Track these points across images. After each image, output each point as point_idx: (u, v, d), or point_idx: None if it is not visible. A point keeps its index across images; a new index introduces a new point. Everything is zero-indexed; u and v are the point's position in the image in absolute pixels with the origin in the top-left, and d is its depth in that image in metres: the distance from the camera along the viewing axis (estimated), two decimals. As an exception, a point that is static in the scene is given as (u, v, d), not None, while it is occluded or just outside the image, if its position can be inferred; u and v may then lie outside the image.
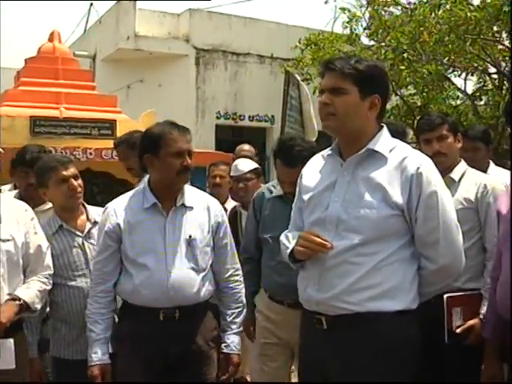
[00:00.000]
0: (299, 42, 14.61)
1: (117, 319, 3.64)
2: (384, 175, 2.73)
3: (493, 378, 2.99)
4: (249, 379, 5.13)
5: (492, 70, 13.18)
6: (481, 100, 14.17)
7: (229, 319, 3.70)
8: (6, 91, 8.18)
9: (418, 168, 2.72)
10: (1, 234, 3.35)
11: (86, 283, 3.76)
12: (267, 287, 4.14)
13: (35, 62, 8.40)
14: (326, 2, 13.33)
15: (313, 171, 3.01)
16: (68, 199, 3.90)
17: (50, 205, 4.21)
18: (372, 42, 13.42)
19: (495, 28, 11.32)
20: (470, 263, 3.42)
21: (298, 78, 9.76)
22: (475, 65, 12.68)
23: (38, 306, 3.46)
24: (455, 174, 3.88)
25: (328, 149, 2.99)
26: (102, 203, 3.85)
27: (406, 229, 2.76)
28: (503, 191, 3.72)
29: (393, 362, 2.68)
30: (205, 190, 5.10)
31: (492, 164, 5.03)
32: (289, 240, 3.01)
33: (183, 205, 3.56)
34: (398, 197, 2.70)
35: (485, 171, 4.52)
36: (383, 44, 12.39)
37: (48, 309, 3.87)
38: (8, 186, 4.98)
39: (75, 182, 3.88)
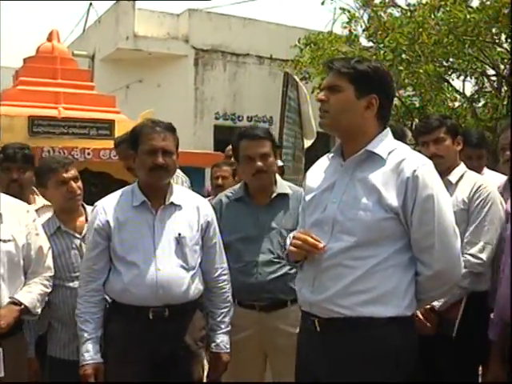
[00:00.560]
0: (299, 42, 14.64)
1: None
2: (380, 177, 2.70)
3: (496, 379, 2.99)
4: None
5: (491, 72, 13.19)
6: (479, 102, 14.18)
7: (218, 319, 3.70)
8: (4, 91, 8.18)
9: (415, 170, 2.66)
10: (2, 234, 3.35)
11: None
12: (235, 292, 3.89)
13: (34, 61, 8.40)
14: (322, 3, 13.34)
15: (317, 172, 3.00)
16: (67, 201, 3.90)
17: (37, 206, 4.22)
18: (371, 43, 13.44)
19: (494, 30, 11.34)
20: None
21: (297, 79, 9.74)
22: (474, 67, 12.69)
23: (39, 310, 3.46)
24: (453, 177, 3.90)
25: (333, 149, 2.98)
26: (99, 204, 3.83)
27: (402, 232, 2.71)
28: (496, 192, 3.81)
29: (380, 369, 2.64)
30: (201, 192, 5.11)
31: (485, 168, 5.06)
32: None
33: (172, 203, 3.56)
34: (392, 199, 2.66)
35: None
36: (382, 45, 12.40)
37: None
38: None
39: (74, 185, 3.88)
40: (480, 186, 3.82)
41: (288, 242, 3.00)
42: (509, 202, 3.78)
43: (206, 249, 3.65)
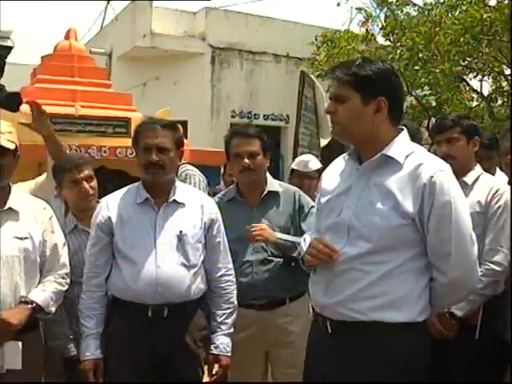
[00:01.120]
0: (316, 39, 14.62)
1: None
2: (396, 182, 2.66)
3: None
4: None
5: (508, 71, 13.11)
6: (496, 102, 14.09)
7: (219, 320, 3.66)
8: (22, 88, 8.22)
9: (432, 176, 2.62)
10: (18, 231, 3.37)
11: None
12: None
13: (51, 59, 8.42)
14: (338, 5, 13.33)
15: (332, 174, 2.97)
16: (80, 200, 4.00)
17: None
18: (388, 42, 13.41)
19: (512, 29, 11.26)
20: None
21: (313, 78, 9.75)
22: (491, 66, 12.62)
23: (53, 309, 3.47)
24: (469, 178, 3.86)
25: (348, 151, 2.95)
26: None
27: (419, 239, 2.68)
28: None
29: (390, 374, 2.63)
30: (214, 191, 5.11)
31: (497, 169, 5.02)
32: (305, 243, 2.97)
33: (175, 201, 3.57)
34: (409, 205, 2.62)
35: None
36: (398, 44, 12.36)
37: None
38: None
39: (87, 185, 3.95)
40: (497, 191, 3.76)
41: (302, 245, 2.99)
42: None
43: (209, 247, 3.63)
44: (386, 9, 13.21)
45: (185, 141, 9.72)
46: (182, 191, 3.64)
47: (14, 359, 3.26)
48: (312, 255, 2.80)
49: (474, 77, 13.73)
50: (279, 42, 17.01)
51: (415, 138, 4.37)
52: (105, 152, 7.28)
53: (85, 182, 3.95)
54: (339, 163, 3.00)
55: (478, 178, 3.89)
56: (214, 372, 3.61)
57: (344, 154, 2.98)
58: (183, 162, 5.35)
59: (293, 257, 3.79)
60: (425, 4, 12.53)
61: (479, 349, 3.64)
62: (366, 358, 2.66)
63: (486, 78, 13.86)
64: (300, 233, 3.87)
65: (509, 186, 3.91)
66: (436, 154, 3.18)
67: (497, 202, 3.74)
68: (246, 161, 3.94)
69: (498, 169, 5.02)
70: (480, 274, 3.57)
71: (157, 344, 3.44)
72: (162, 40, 16.53)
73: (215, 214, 3.69)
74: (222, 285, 3.69)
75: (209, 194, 5.20)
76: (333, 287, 2.75)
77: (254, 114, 17.20)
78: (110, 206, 3.60)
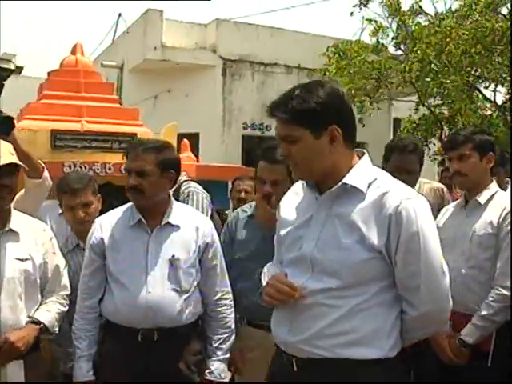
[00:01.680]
0: (327, 50, 14.60)
1: None
2: (360, 214, 2.46)
3: None
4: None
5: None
6: (511, 110, 13.98)
7: (214, 344, 3.56)
8: (27, 104, 8.20)
9: (398, 206, 2.42)
10: (19, 253, 3.35)
11: None
12: (246, 311, 3.77)
13: (57, 74, 8.38)
14: (351, 14, 13.30)
15: (290, 203, 2.76)
16: (74, 224, 3.98)
17: None
18: (399, 52, 13.37)
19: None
20: None
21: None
22: (504, 75, 12.53)
23: (57, 329, 3.46)
24: (482, 197, 3.70)
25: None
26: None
27: (388, 271, 2.49)
28: None
29: None
30: (223, 208, 5.03)
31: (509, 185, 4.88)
32: (266, 277, 2.77)
33: (169, 223, 3.48)
34: (375, 238, 2.43)
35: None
36: (410, 55, 12.32)
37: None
38: None
39: (81, 212, 3.91)
40: (510, 212, 3.59)
41: (263, 278, 2.79)
42: None
43: (204, 271, 3.54)
44: (397, 18, 13.17)
45: (192, 156, 9.61)
46: (177, 212, 3.54)
47: (16, 377, 3.25)
48: (271, 296, 2.59)
49: (486, 87, 13.63)
50: (290, 53, 17.03)
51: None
52: (109, 169, 7.21)
53: (79, 209, 3.92)
54: (297, 190, 2.78)
55: (492, 196, 3.72)
56: None
57: (302, 181, 2.75)
58: (186, 178, 5.29)
59: None
60: (436, 14, 12.47)
61: (491, 377, 3.51)
62: None
63: (499, 87, 13.77)
64: None
65: None
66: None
67: (509, 223, 3.58)
68: (268, 189, 3.66)
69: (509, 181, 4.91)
70: (491, 299, 3.51)
71: (149, 367, 3.37)
72: (173, 52, 16.61)
73: (211, 236, 3.58)
74: (219, 309, 3.60)
75: (212, 212, 5.12)
76: (297, 324, 2.55)
77: (266, 126, 17.16)
78: (103, 227, 3.52)
